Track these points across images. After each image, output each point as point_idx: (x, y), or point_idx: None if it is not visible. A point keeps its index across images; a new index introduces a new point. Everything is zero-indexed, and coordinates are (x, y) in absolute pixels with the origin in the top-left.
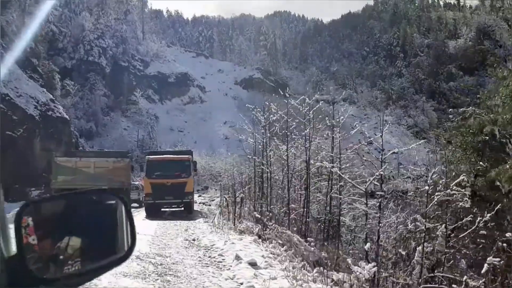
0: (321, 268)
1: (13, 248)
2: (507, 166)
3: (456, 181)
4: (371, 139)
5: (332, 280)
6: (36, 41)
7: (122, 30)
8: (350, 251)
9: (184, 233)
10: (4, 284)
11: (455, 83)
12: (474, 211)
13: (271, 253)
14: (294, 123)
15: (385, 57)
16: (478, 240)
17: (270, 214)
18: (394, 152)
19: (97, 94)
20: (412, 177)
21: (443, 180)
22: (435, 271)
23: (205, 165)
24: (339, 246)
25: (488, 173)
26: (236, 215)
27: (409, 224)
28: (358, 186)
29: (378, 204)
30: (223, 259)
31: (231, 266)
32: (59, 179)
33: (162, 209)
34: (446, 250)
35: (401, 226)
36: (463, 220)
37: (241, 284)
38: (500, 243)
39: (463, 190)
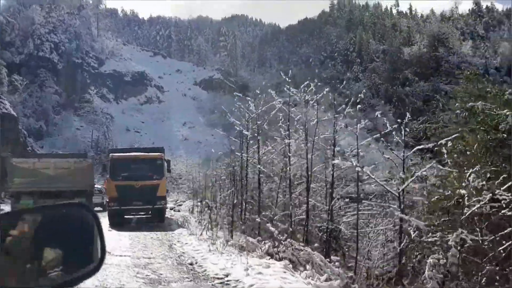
0: None
1: None
2: None
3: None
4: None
5: None
6: None
7: (76, 25)
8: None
9: (171, 251)
10: None
11: (411, 88)
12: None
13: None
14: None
15: (342, 62)
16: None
17: (281, 226)
18: (354, 155)
19: (48, 92)
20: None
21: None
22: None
23: None
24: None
25: (502, 174)
26: (228, 224)
27: (411, 233)
28: (390, 189)
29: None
30: None
31: None
32: (16, 181)
33: (126, 216)
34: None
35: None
36: (507, 230)
37: None
38: None
39: (509, 195)
